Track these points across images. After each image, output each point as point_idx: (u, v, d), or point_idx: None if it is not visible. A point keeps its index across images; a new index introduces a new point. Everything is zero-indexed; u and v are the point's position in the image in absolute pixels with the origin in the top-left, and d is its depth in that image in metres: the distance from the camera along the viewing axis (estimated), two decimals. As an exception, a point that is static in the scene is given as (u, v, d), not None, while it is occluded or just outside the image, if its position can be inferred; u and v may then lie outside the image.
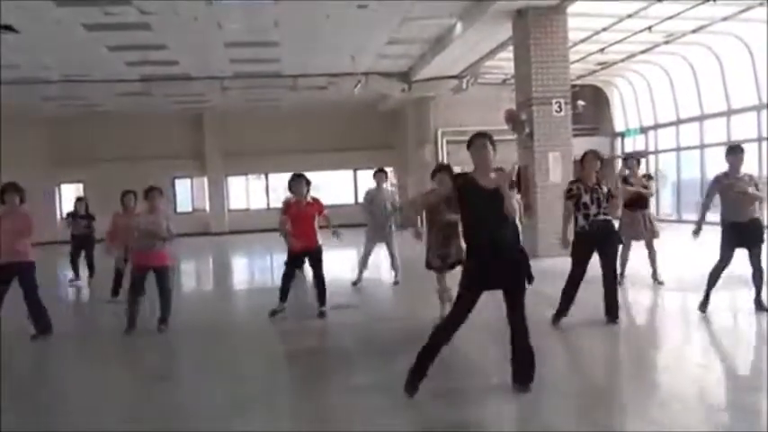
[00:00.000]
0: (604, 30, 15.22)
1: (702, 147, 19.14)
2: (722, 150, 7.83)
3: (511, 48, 14.66)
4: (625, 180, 9.60)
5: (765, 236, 7.35)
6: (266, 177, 27.59)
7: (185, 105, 24.18)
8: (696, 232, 7.62)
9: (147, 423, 4.99)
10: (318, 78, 19.72)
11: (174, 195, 27.02)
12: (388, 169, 25.58)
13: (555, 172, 13.13)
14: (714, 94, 18.35)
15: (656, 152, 21.68)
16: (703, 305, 7.47)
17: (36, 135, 24.56)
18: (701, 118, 19.17)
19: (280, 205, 9.07)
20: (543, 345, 6.76)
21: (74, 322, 9.91)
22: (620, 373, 5.92)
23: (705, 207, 7.72)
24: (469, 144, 5.00)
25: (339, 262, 11.52)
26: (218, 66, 17.93)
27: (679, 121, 20.24)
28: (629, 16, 14.16)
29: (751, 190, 7.26)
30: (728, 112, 18.00)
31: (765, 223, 7.48)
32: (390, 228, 10.58)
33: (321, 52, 16.85)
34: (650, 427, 4.41)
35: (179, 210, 26.86)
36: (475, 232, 5.02)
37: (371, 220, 10.65)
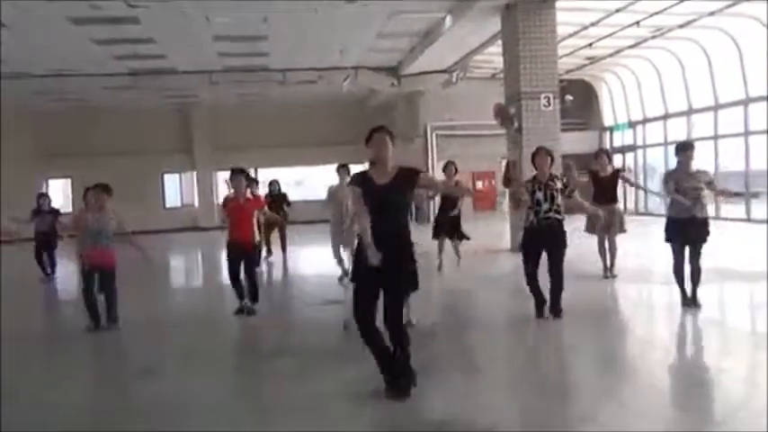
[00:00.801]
0: (593, 24, 15.29)
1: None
2: (710, 144, 7.84)
3: (500, 42, 14.70)
4: (595, 174, 9.67)
5: (709, 234, 7.29)
6: (255, 172, 27.43)
7: (174, 100, 24.08)
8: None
9: (132, 421, 4.98)
10: (308, 72, 19.69)
11: (163, 190, 26.99)
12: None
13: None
14: (702, 88, 18.48)
15: (645, 146, 21.81)
16: (684, 300, 7.51)
17: (24, 130, 24.31)
18: (688, 112, 19.30)
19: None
20: (526, 343, 6.86)
21: (54, 320, 9.85)
22: (598, 367, 5.94)
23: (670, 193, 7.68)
24: (368, 139, 4.95)
25: (327, 258, 11.45)
26: (207, 60, 17.86)
27: (667, 116, 20.36)
28: (618, 11, 14.24)
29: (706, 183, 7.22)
30: (716, 107, 18.13)
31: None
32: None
33: (310, 46, 16.81)
34: (646, 426, 4.44)
35: (168, 205, 26.88)
36: (372, 224, 4.92)
37: (332, 218, 10.43)
